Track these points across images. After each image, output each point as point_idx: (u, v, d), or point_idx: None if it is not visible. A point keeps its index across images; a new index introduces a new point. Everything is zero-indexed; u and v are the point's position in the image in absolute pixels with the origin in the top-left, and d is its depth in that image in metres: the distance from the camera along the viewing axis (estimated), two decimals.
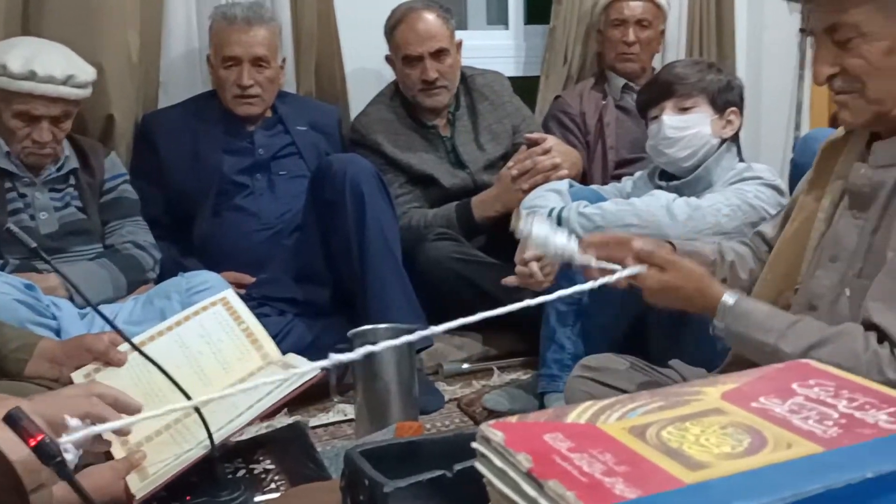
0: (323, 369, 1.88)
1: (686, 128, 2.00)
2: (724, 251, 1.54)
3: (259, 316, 2.18)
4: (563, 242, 1.34)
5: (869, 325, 1.18)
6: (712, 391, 0.71)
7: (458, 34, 2.62)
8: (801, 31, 1.31)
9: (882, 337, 1.16)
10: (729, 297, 1.27)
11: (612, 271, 1.29)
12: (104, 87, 2.29)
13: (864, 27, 1.20)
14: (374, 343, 1.88)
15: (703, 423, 0.65)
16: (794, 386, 0.71)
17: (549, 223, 1.40)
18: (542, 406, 1.97)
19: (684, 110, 2.01)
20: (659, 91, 2.06)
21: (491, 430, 0.67)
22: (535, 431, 0.66)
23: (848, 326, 1.19)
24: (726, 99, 2.04)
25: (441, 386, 2.19)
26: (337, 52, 2.69)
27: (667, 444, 0.62)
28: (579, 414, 0.69)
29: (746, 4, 3.30)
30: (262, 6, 2.50)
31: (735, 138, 2.08)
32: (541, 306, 2.02)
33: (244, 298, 1.94)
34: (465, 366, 2.27)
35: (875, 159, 1.29)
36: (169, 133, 2.41)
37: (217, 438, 1.28)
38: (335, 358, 0.90)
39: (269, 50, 2.40)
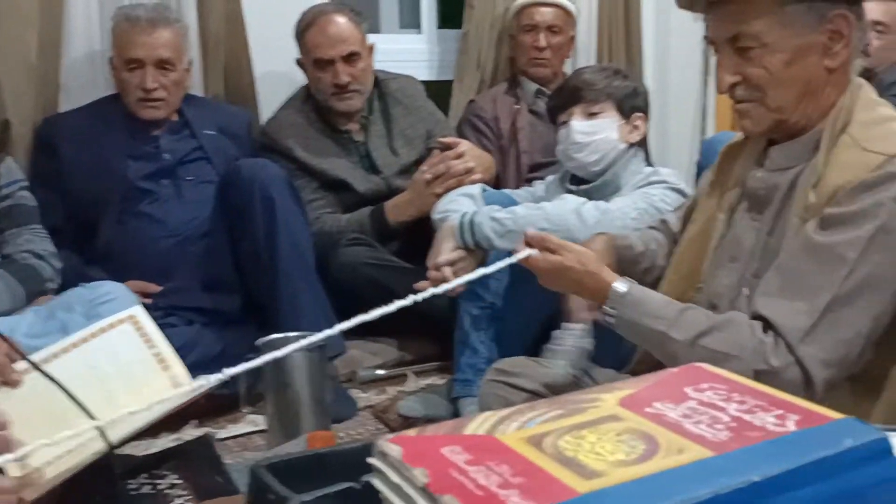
0: (229, 380, 1.85)
1: (594, 133, 2.04)
2: (647, 241, 1.59)
3: (166, 326, 2.13)
4: None
5: (755, 316, 1.22)
6: (609, 398, 0.72)
7: (371, 38, 2.60)
8: (705, 39, 1.34)
9: (767, 326, 1.20)
10: (621, 285, 1.31)
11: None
12: None
13: (765, 38, 1.24)
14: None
15: (600, 431, 0.66)
16: (688, 390, 0.72)
17: None
18: (456, 411, 1.97)
19: (592, 115, 2.05)
20: (568, 97, 2.09)
21: (388, 444, 0.66)
22: (433, 445, 0.66)
23: (735, 315, 1.23)
24: (633, 104, 2.08)
25: (355, 393, 2.17)
26: (246, 55, 2.63)
27: (563, 453, 0.62)
28: (478, 425, 0.69)
29: (654, 12, 3.38)
30: (166, 7, 2.44)
31: (642, 143, 2.13)
32: (455, 311, 2.04)
33: (150, 308, 1.89)
34: (380, 372, 2.25)
35: (771, 163, 1.34)
36: (70, 138, 2.32)
37: (118, 438, 1.24)
38: (227, 372, 0.88)
39: (174, 52, 2.33)
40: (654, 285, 1.58)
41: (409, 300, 1.17)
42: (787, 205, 1.28)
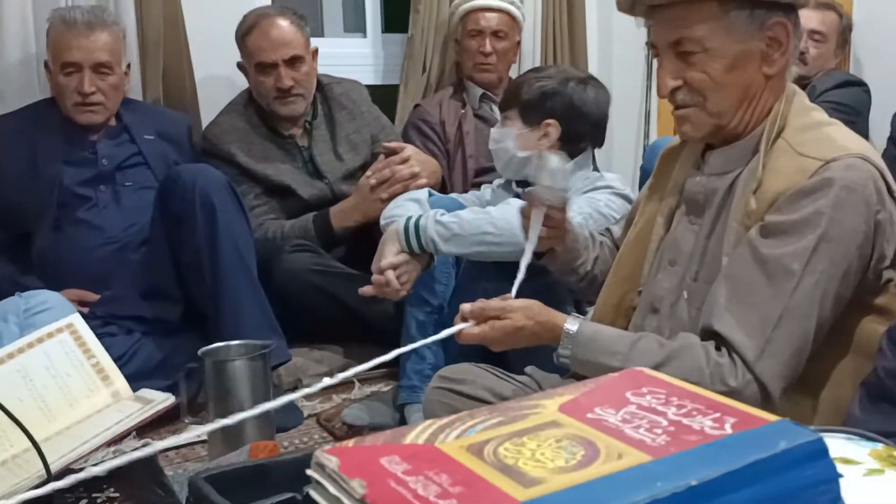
0: (166, 390, 1.81)
1: (498, 141, 2.05)
2: (592, 233, 1.60)
3: (104, 336, 2.08)
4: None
5: (709, 332, 1.22)
6: (550, 404, 0.71)
7: (314, 42, 2.58)
8: (648, 45, 1.35)
9: (719, 343, 1.21)
10: (571, 325, 1.30)
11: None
12: None
13: (707, 43, 1.25)
14: (226, 361, 1.83)
15: (540, 438, 0.65)
16: (628, 395, 0.72)
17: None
18: (402, 419, 1.96)
19: (505, 122, 2.06)
20: (500, 102, 2.11)
21: (325, 455, 0.64)
22: (371, 455, 0.65)
23: (687, 339, 1.23)
24: (545, 109, 2.02)
25: (300, 402, 2.14)
26: (186, 58, 2.59)
27: (503, 461, 0.62)
28: (418, 434, 0.68)
29: (596, 17, 3.42)
30: (104, 9, 2.38)
31: (588, 147, 2.13)
32: (400, 315, 2.03)
33: (88, 317, 1.84)
34: (326, 380, 2.21)
35: (709, 168, 1.36)
36: (3, 143, 2.25)
37: (58, 466, 1.20)
38: None
39: (111, 55, 2.28)
40: (589, 290, 1.60)
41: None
42: (725, 209, 1.30)
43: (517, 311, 1.32)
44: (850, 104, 2.75)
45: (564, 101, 2.01)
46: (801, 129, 1.26)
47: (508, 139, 2.04)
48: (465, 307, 1.35)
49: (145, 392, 1.47)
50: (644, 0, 1.29)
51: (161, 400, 1.38)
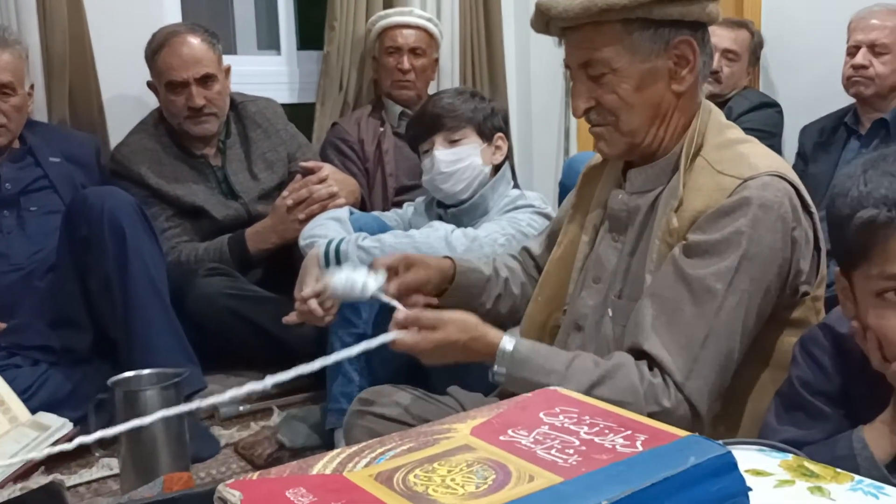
0: (76, 423, 1.74)
1: (458, 161, 2.03)
2: (497, 267, 1.59)
3: (9, 367, 2.00)
4: (366, 284, 1.40)
5: (638, 353, 1.23)
6: (462, 427, 0.70)
7: (227, 59, 2.52)
8: (564, 64, 1.36)
9: (651, 363, 1.21)
10: (507, 343, 1.28)
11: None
12: None
13: (614, 64, 1.27)
14: (137, 390, 1.76)
15: (451, 463, 0.64)
16: (541, 415, 0.71)
17: (345, 269, 1.43)
18: (331, 442, 1.91)
19: (454, 143, 2.04)
20: (428, 125, 2.07)
21: (227, 490, 0.62)
22: (276, 487, 0.62)
23: (621, 359, 1.23)
24: (492, 125, 2.08)
25: (217, 430, 2.08)
26: (93, 78, 2.51)
27: (412, 488, 0.60)
28: (326, 464, 0.66)
29: (514, 34, 3.46)
30: (5, 28, 2.29)
31: (508, 164, 2.14)
32: (321, 337, 1.99)
33: None
34: (243, 407, 2.16)
35: (630, 186, 1.37)
36: None
37: None
38: None
39: (14, 75, 2.19)
40: (513, 314, 1.59)
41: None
42: (648, 227, 1.31)
43: (452, 324, 1.29)
44: (766, 128, 2.84)
45: (504, 116, 2.13)
46: (719, 147, 1.28)
47: (472, 156, 2.03)
48: (399, 315, 1.31)
49: (42, 416, 1.41)
50: (556, 21, 1.30)
51: (58, 426, 1.32)
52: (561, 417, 0.70)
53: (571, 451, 0.63)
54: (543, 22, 1.32)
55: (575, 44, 1.31)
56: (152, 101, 2.50)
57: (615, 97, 1.29)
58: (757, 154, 1.28)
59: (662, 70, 1.28)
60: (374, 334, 1.89)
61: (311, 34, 3.19)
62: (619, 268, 1.35)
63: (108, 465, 1.88)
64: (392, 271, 1.47)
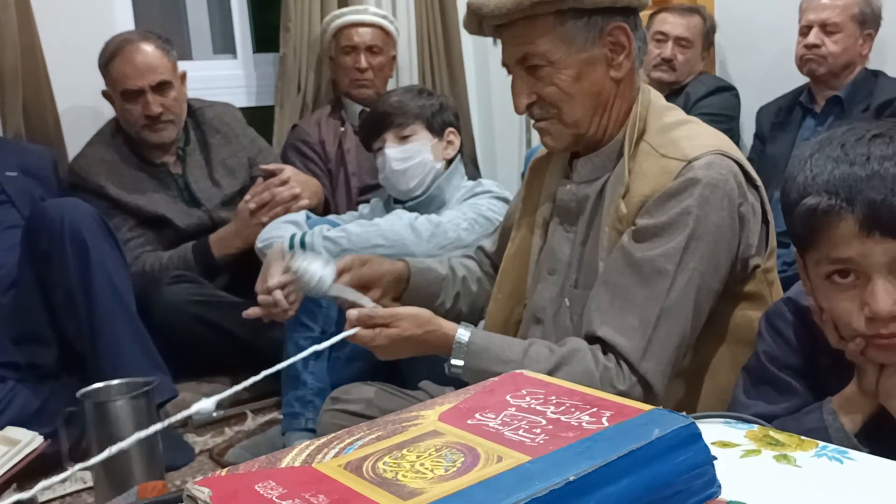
0: (47, 437, 1.72)
1: (409, 158, 2.04)
2: (454, 266, 1.59)
3: None
4: (322, 272, 1.37)
5: (593, 339, 1.24)
6: (430, 414, 0.70)
7: (182, 65, 2.51)
8: (502, 64, 1.37)
9: (605, 348, 1.22)
10: (462, 334, 1.28)
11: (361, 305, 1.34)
12: None
13: (551, 56, 1.28)
14: (107, 401, 1.74)
15: (420, 448, 0.64)
16: (508, 398, 0.71)
17: (307, 256, 1.40)
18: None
19: (404, 139, 2.05)
20: (376, 123, 2.09)
21: (196, 487, 0.62)
22: (245, 482, 0.62)
23: (576, 344, 1.24)
24: (442, 120, 2.09)
25: (191, 438, 2.06)
26: (47, 89, 2.48)
27: (382, 475, 0.60)
28: (294, 457, 0.66)
29: None
30: None
31: (461, 157, 2.15)
32: (281, 345, 1.97)
33: None
34: (216, 413, 2.15)
35: (577, 176, 1.38)
36: None
37: None
38: None
39: None
40: (474, 312, 1.59)
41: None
42: (597, 215, 1.33)
43: (406, 319, 1.30)
44: (724, 111, 2.87)
45: (454, 112, 2.15)
46: (661, 131, 1.30)
47: (423, 152, 2.04)
48: (352, 313, 1.31)
49: (10, 431, 1.39)
50: (489, 20, 1.30)
51: (28, 440, 1.30)
52: (528, 399, 0.71)
53: (539, 431, 0.64)
54: (476, 22, 1.32)
55: (510, 40, 1.31)
56: (108, 111, 2.48)
57: (555, 89, 1.30)
58: (699, 134, 1.29)
59: (599, 58, 1.29)
60: (334, 334, 1.90)
61: (266, 37, 3.17)
62: (572, 258, 1.36)
63: (81, 479, 1.86)
64: (346, 270, 1.46)
